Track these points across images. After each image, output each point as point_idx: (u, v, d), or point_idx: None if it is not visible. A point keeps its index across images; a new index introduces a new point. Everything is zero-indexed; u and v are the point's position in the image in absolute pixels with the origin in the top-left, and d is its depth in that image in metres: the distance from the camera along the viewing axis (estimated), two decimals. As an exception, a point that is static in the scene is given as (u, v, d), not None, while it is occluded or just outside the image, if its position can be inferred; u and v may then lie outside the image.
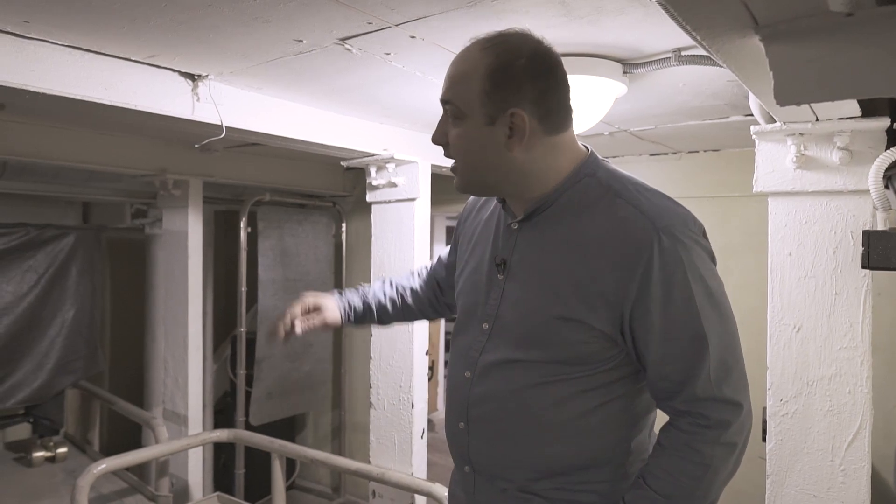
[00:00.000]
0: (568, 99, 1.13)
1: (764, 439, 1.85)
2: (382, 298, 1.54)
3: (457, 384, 1.23)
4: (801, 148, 1.70)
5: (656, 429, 1.18)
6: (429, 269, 1.57)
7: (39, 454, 3.39)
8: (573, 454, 1.13)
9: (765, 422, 1.86)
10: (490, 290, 1.19)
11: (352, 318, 1.52)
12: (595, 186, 1.12)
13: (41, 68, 1.53)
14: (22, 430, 3.85)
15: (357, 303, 1.52)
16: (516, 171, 1.12)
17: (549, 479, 1.14)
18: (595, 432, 1.12)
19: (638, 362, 1.10)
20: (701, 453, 1.04)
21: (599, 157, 1.19)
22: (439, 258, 1.53)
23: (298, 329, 1.43)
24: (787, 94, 0.99)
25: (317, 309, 1.48)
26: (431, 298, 1.54)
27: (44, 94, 1.56)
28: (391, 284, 1.56)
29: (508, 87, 1.06)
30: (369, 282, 2.88)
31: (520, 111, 1.06)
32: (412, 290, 1.55)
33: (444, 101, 1.13)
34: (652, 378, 1.10)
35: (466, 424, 1.19)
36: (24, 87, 1.49)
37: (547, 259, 1.13)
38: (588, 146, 1.20)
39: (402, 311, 1.55)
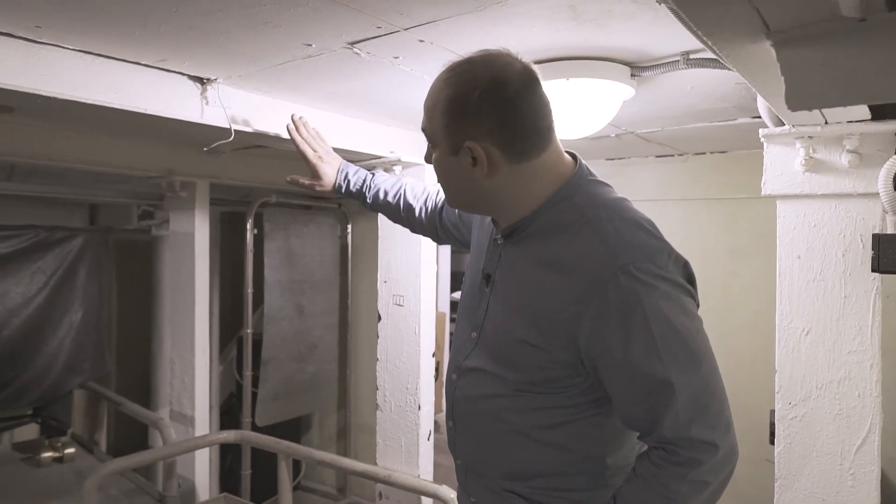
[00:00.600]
0: (540, 121, 1.10)
1: (771, 442, 1.84)
2: (381, 198, 1.72)
3: (447, 384, 1.29)
4: (810, 151, 1.70)
5: None
6: (436, 200, 1.65)
7: (47, 455, 3.40)
8: (539, 462, 1.15)
9: (772, 424, 1.86)
10: (480, 301, 1.23)
11: (342, 192, 1.77)
12: (569, 211, 1.11)
13: (52, 72, 1.53)
14: (29, 431, 3.86)
15: (356, 185, 1.75)
16: (488, 195, 1.14)
17: (519, 481, 1.17)
18: (562, 445, 1.13)
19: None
20: (667, 487, 1.03)
21: (587, 174, 1.18)
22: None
23: (287, 178, 1.86)
24: (799, 99, 0.99)
25: (317, 175, 1.77)
26: (423, 224, 1.66)
27: (55, 98, 1.57)
28: (396, 193, 1.70)
29: (463, 121, 1.08)
30: (376, 284, 2.90)
31: (475, 144, 1.07)
32: (409, 206, 1.68)
33: (422, 129, 1.18)
34: (620, 415, 1.09)
35: (453, 423, 1.26)
36: (35, 92, 1.50)
37: (520, 281, 1.15)
38: (578, 159, 1.19)
39: (392, 215, 1.74)
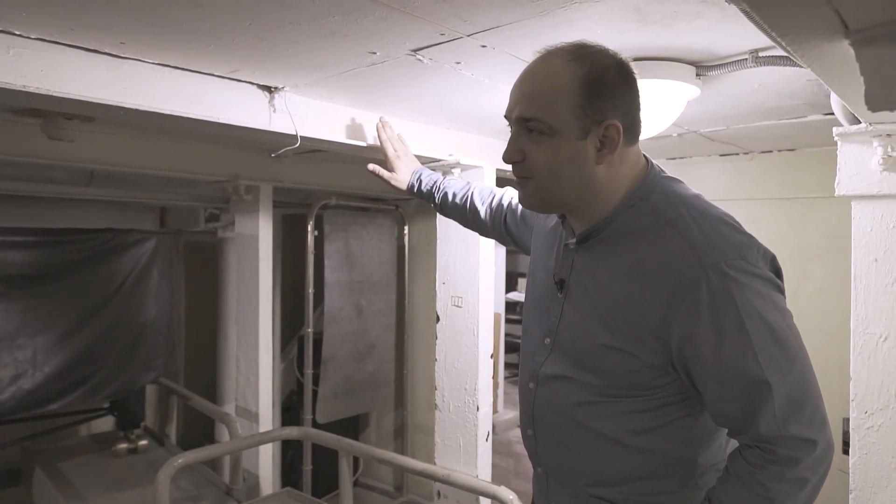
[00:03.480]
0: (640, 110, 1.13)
1: (844, 452, 1.77)
2: (449, 199, 1.82)
3: (524, 393, 1.27)
4: (889, 149, 1.63)
5: None
6: (502, 203, 1.68)
7: (122, 446, 3.59)
8: (630, 467, 1.13)
9: (845, 433, 1.79)
10: (552, 306, 1.21)
11: (415, 192, 1.92)
12: (647, 213, 1.10)
13: (133, 85, 1.62)
14: (106, 423, 4.08)
15: (427, 185, 1.89)
16: (593, 187, 1.11)
17: (609, 487, 1.15)
18: (652, 449, 1.11)
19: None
20: (765, 487, 0.99)
21: (658, 171, 1.16)
22: (510, 205, 1.64)
23: (368, 166, 2.02)
24: (879, 99, 0.96)
25: (393, 171, 1.96)
26: (488, 226, 1.72)
27: (135, 110, 1.65)
28: (464, 196, 1.78)
29: (603, 98, 1.05)
30: (433, 285, 2.93)
31: (615, 122, 1.06)
32: (475, 209, 1.75)
33: (526, 119, 1.09)
34: (712, 414, 1.07)
35: (533, 431, 1.24)
36: (119, 105, 1.59)
37: (599, 286, 1.13)
38: (648, 157, 1.18)
39: (460, 217, 1.83)
